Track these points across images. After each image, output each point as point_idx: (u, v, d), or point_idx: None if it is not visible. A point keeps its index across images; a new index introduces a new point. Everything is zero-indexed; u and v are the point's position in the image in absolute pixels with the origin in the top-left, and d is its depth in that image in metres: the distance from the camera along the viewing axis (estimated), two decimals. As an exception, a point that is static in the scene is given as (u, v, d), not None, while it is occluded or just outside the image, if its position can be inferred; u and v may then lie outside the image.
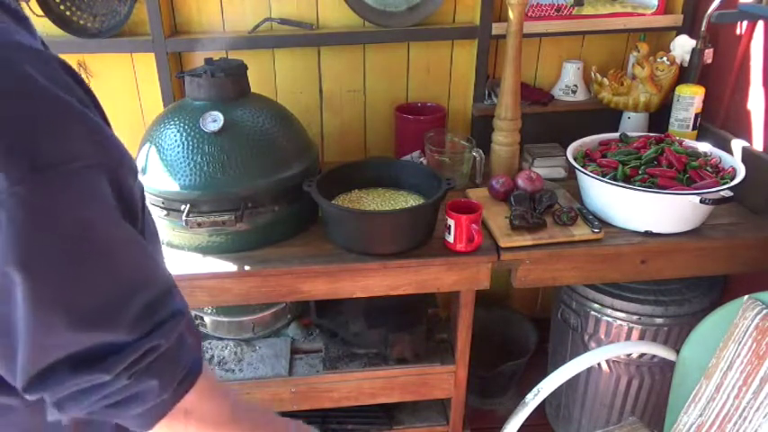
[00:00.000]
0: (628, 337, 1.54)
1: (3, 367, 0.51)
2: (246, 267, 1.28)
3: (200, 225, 1.27)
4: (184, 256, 1.33)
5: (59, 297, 0.49)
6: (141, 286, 0.53)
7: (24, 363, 0.49)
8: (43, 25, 1.54)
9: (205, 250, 1.33)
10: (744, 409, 1.10)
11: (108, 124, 0.55)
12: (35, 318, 0.48)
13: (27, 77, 0.46)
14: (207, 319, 1.59)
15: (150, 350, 0.53)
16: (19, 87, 0.46)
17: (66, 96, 0.48)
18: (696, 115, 1.60)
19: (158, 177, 1.29)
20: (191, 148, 1.27)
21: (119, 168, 0.51)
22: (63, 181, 0.46)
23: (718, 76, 1.63)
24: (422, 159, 1.65)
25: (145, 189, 0.68)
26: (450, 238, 1.31)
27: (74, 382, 0.51)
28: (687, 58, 1.63)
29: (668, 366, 1.42)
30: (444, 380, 1.53)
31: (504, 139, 1.57)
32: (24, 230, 0.45)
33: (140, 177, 0.60)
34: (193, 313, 1.60)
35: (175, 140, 1.29)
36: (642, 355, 1.54)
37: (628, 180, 1.36)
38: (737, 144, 1.52)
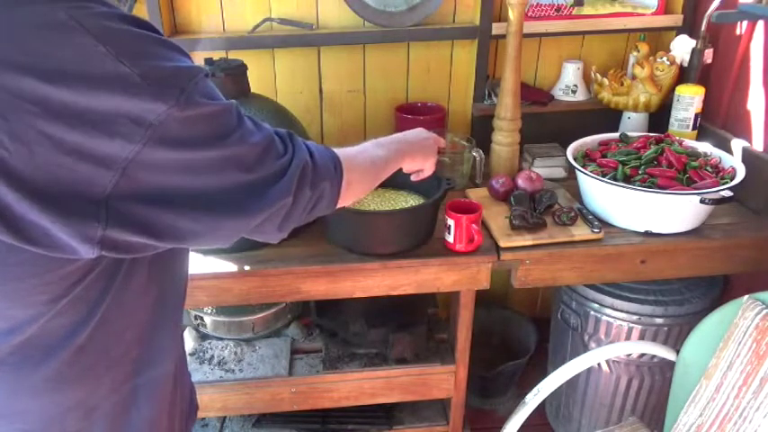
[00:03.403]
0: (628, 337, 1.54)
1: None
2: (246, 267, 1.28)
3: (200, 225, 1.27)
4: (184, 256, 1.33)
5: (236, 156, 0.64)
6: (267, 128, 0.70)
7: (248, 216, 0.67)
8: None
9: (205, 250, 1.33)
10: (744, 409, 1.10)
11: None
12: (228, 175, 0.63)
13: (142, 35, 0.58)
14: (207, 319, 1.59)
15: (305, 165, 0.71)
16: (143, 41, 0.57)
17: (161, 36, 0.61)
18: (696, 115, 1.60)
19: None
20: (191, 148, 1.27)
21: (208, 74, 0.65)
22: (198, 90, 0.59)
23: (718, 76, 1.63)
24: (422, 159, 1.65)
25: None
26: (450, 238, 1.31)
27: (271, 211, 0.68)
28: (687, 58, 1.63)
29: (668, 366, 1.42)
30: (444, 380, 1.53)
31: (504, 139, 1.57)
32: (188, 134, 0.59)
33: None
34: (193, 313, 1.60)
35: (175, 140, 1.28)
36: (642, 355, 1.54)
37: (628, 180, 1.36)
38: (737, 144, 1.52)
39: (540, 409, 1.90)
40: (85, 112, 0.53)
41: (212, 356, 1.57)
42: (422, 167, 1.11)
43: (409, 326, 1.52)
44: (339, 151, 0.82)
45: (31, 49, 0.51)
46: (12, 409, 0.68)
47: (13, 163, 0.51)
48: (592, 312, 1.56)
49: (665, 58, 1.64)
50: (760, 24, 1.48)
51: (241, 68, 1.38)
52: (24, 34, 0.52)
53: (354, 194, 0.85)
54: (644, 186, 1.32)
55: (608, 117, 1.75)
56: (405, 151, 1.02)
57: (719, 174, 1.37)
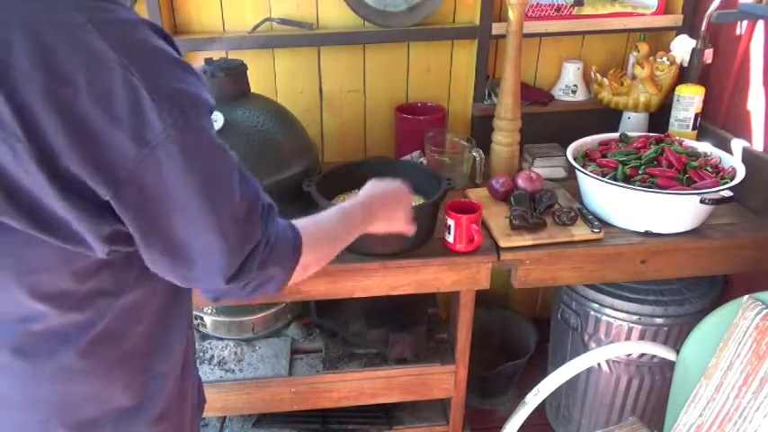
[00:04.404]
0: (628, 337, 1.54)
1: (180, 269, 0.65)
2: (246, 267, 1.28)
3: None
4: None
5: (221, 207, 0.63)
6: (257, 189, 0.69)
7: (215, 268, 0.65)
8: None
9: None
10: (744, 409, 1.10)
11: None
12: (211, 223, 0.62)
13: (159, 48, 0.58)
14: (207, 319, 1.59)
15: (267, 243, 0.69)
16: (157, 54, 0.58)
17: (179, 57, 0.61)
18: (696, 115, 1.60)
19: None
20: (191, 148, 1.27)
21: (213, 110, 0.65)
22: (197, 121, 0.59)
23: (718, 76, 1.63)
24: (422, 159, 1.65)
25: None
26: (450, 238, 1.31)
27: (230, 287, 0.67)
28: (687, 58, 1.63)
29: (668, 366, 1.42)
30: (444, 380, 1.53)
31: (504, 139, 1.57)
32: (179, 160, 0.58)
33: None
34: (193, 313, 1.60)
35: (175, 140, 1.28)
36: (642, 355, 1.54)
37: (628, 180, 1.36)
38: (737, 144, 1.52)
39: (540, 409, 1.90)
40: (86, 118, 0.53)
41: (212, 356, 1.57)
42: (391, 228, 1.01)
43: (409, 326, 1.52)
44: (304, 230, 0.78)
45: (44, 43, 0.52)
46: (28, 397, 0.69)
47: (25, 156, 0.53)
48: (592, 312, 1.56)
49: (665, 58, 1.64)
50: (760, 24, 1.48)
51: (241, 68, 1.38)
52: (40, 28, 0.52)
53: (310, 272, 0.81)
54: (644, 186, 1.32)
55: (608, 117, 1.75)
56: (370, 220, 0.96)
57: (719, 174, 1.37)
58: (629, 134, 1.55)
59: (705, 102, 1.60)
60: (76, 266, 0.61)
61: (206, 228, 0.62)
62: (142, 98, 0.55)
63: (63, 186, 0.54)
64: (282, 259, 0.74)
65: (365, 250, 1.31)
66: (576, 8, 1.71)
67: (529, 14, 1.69)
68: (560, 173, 1.66)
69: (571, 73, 1.78)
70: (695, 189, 1.30)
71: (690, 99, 1.58)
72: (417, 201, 1.39)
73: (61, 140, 0.53)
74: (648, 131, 1.69)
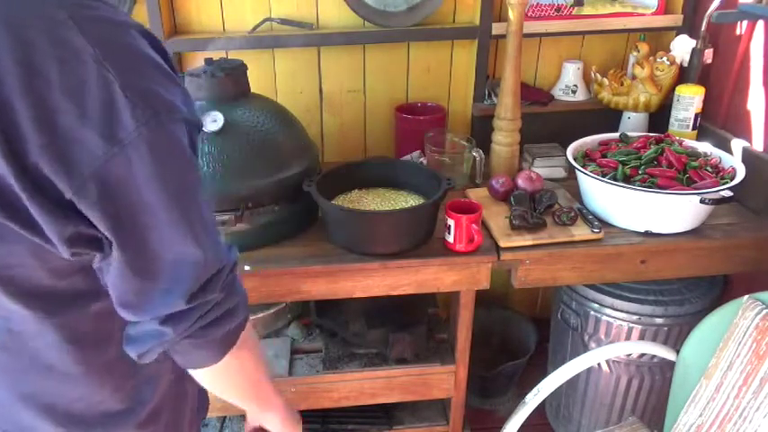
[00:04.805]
0: (628, 337, 1.54)
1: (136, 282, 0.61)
2: (246, 267, 1.28)
3: (200, 225, 1.27)
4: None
5: (191, 215, 0.61)
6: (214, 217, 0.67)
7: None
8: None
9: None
10: (744, 409, 1.10)
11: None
12: (173, 231, 0.60)
13: (142, 51, 0.58)
14: (207, 319, 1.59)
15: (232, 269, 0.68)
16: (139, 56, 0.57)
17: (164, 63, 0.61)
18: (696, 115, 1.60)
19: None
20: (191, 148, 1.27)
21: (196, 125, 0.64)
22: (170, 126, 0.58)
23: (718, 76, 1.63)
24: (422, 159, 1.65)
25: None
26: (450, 238, 1.31)
27: (187, 311, 0.63)
28: (687, 58, 1.63)
29: (668, 366, 1.42)
30: (444, 380, 1.53)
31: (504, 139, 1.57)
32: (149, 161, 0.56)
33: None
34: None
35: (175, 140, 1.28)
36: (642, 355, 1.54)
37: (628, 180, 1.36)
38: (737, 144, 1.52)
39: (540, 409, 1.90)
40: (57, 111, 0.52)
41: (212, 356, 1.56)
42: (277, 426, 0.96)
43: (409, 326, 1.52)
44: None
45: (25, 39, 0.52)
46: (17, 393, 0.69)
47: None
48: (592, 312, 1.56)
49: (665, 58, 1.64)
50: (760, 24, 1.48)
51: (241, 68, 1.38)
52: (21, 24, 0.52)
53: (236, 368, 0.77)
54: (644, 186, 1.32)
55: (608, 117, 1.75)
56: (282, 402, 0.93)
57: (719, 174, 1.37)
58: (629, 134, 1.55)
59: (705, 102, 1.60)
60: (52, 265, 0.60)
61: (178, 235, 0.61)
62: (115, 94, 0.54)
63: (30, 183, 0.53)
64: (243, 295, 0.72)
65: (365, 250, 1.31)
66: (576, 8, 1.71)
67: (529, 14, 1.69)
68: (560, 173, 1.66)
69: (571, 73, 1.78)
70: (695, 189, 1.30)
71: (690, 99, 1.58)
72: (417, 201, 1.40)
73: (32, 135, 0.52)
74: (648, 131, 1.69)
